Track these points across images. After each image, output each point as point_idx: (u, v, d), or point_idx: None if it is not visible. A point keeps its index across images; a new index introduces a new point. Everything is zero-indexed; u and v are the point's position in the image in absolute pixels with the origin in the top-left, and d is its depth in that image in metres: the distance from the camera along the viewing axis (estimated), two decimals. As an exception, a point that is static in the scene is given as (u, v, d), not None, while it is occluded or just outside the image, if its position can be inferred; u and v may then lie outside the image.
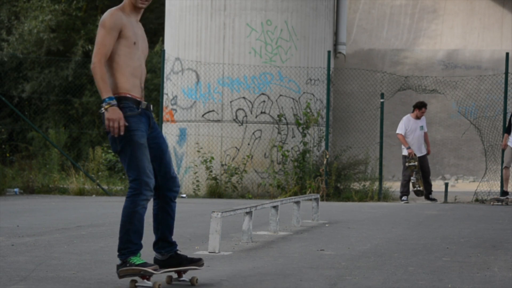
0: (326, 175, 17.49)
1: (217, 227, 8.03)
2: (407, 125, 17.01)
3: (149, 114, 6.09)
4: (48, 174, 19.17)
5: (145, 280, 5.90)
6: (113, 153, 19.41)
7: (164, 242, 6.17)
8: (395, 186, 19.66)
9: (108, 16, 5.95)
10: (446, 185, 17.74)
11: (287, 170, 17.83)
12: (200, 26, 18.59)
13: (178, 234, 9.65)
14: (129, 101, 5.96)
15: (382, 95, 18.32)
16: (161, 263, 6.13)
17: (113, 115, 5.80)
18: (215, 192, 17.95)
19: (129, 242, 5.93)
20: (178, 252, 6.21)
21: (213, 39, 18.50)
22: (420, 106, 17.10)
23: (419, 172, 16.89)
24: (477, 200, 17.33)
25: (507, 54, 18.16)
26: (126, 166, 5.92)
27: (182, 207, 14.79)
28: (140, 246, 5.97)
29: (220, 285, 6.08)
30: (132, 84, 5.99)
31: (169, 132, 18.89)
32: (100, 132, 24.77)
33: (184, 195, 18.10)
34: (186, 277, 6.23)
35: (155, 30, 28.73)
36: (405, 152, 16.97)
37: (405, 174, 16.97)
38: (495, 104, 22.83)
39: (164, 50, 19.04)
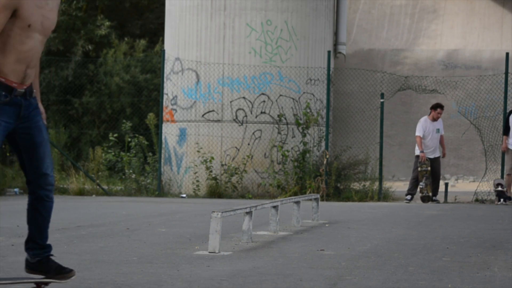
0: (326, 175, 17.49)
1: (217, 227, 8.03)
2: (424, 127, 16.98)
3: (23, 103, 5.44)
4: (48, 174, 19.14)
5: None
6: (113, 153, 19.41)
7: (34, 243, 5.60)
8: (395, 186, 19.66)
9: None
10: (446, 185, 17.75)
11: (287, 170, 17.84)
12: (200, 26, 18.60)
13: (178, 234, 9.67)
14: None
15: (382, 95, 18.32)
16: (29, 266, 5.63)
17: None
18: (215, 192, 17.96)
19: None
20: (51, 257, 5.62)
21: (213, 39, 18.51)
22: (435, 107, 17.10)
23: (430, 178, 16.82)
24: (477, 200, 17.33)
25: (507, 54, 18.16)
26: None
27: (182, 207, 14.80)
28: None
29: (220, 285, 6.09)
30: (12, 68, 5.39)
31: (169, 132, 18.90)
32: (100, 132, 24.77)
33: (184, 195, 18.11)
34: None
35: (155, 30, 28.74)
36: (418, 152, 16.92)
37: (414, 174, 16.93)
38: (495, 104, 22.83)
39: (164, 50, 19.05)
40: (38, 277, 5.58)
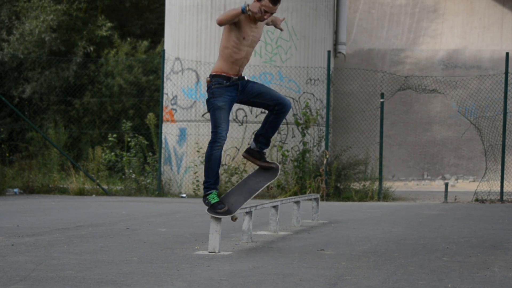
0: (326, 175, 17.49)
1: (217, 227, 8.03)
2: None
3: (239, 83, 8.25)
4: (48, 174, 19.17)
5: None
6: (113, 153, 19.41)
7: (264, 138, 8.49)
8: (395, 186, 19.66)
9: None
10: (446, 185, 17.74)
11: (287, 170, 17.84)
12: (200, 26, 18.60)
13: (178, 234, 9.67)
14: (221, 77, 8.22)
15: (382, 95, 18.32)
16: (249, 151, 8.55)
17: (255, 8, 8.03)
18: (215, 192, 17.93)
19: (207, 177, 8.07)
20: (263, 151, 8.57)
21: (213, 39, 18.51)
22: None
23: None
24: (477, 200, 17.33)
25: (507, 54, 18.16)
26: (211, 121, 8.11)
27: (182, 207, 14.79)
28: (215, 181, 8.08)
29: (220, 285, 6.09)
30: (230, 67, 8.19)
31: (169, 132, 18.90)
32: (101, 132, 24.77)
33: (184, 195, 18.11)
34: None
35: (155, 30, 28.73)
36: None
37: None
38: (495, 104, 22.83)
39: (164, 50, 19.05)
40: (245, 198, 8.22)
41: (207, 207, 8.07)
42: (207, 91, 8.25)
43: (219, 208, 7.97)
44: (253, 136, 18.26)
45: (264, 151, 8.54)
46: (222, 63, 8.15)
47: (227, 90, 8.14)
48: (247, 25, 8.10)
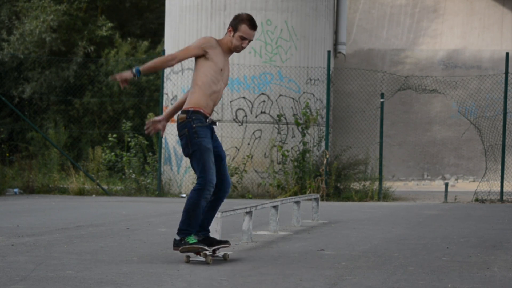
0: (326, 175, 17.49)
1: (217, 227, 8.02)
2: None
3: (213, 128, 7.37)
4: (48, 174, 19.17)
5: (198, 256, 7.22)
6: (113, 153, 19.41)
7: (201, 228, 7.31)
8: (395, 186, 19.66)
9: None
10: (446, 185, 17.74)
11: (287, 170, 17.84)
12: (200, 26, 18.60)
13: (178, 234, 9.66)
14: (201, 114, 7.28)
15: (382, 95, 18.32)
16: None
17: (121, 74, 7.12)
18: (215, 192, 17.93)
19: (189, 226, 7.12)
20: (209, 235, 7.40)
21: (213, 39, 18.49)
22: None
23: None
24: (477, 200, 17.33)
25: (507, 54, 18.16)
26: (197, 166, 7.15)
27: (182, 207, 14.78)
28: (196, 230, 7.17)
29: (220, 285, 6.09)
30: (205, 103, 7.33)
31: (169, 132, 18.90)
32: (101, 132, 24.78)
33: (184, 195, 18.11)
34: (219, 254, 7.45)
35: (155, 30, 28.73)
36: None
37: None
38: (495, 104, 22.83)
39: (164, 50, 19.05)
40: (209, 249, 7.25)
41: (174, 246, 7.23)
42: (182, 129, 7.15)
43: (202, 245, 7.17)
44: (253, 136, 18.27)
45: (209, 230, 7.44)
46: (199, 97, 7.17)
47: (207, 130, 7.22)
48: (223, 58, 7.30)
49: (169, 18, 19.38)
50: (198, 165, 7.09)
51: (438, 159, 26.26)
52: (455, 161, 26.17)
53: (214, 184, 7.08)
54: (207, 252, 7.21)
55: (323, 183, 17.27)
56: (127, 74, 7.03)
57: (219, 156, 7.29)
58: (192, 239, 7.11)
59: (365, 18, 28.68)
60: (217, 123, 7.36)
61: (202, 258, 7.22)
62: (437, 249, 8.50)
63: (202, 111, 7.15)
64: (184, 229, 7.13)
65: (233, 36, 7.29)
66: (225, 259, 7.39)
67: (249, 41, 7.32)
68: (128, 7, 28.99)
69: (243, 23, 7.26)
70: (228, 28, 7.36)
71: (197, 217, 7.12)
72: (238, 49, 7.31)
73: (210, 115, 7.23)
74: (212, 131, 7.28)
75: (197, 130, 7.11)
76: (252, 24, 7.26)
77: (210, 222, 7.43)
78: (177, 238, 7.18)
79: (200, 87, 7.16)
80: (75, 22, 26.81)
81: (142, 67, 7.12)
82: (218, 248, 7.37)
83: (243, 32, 7.24)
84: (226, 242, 7.39)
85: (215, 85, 7.19)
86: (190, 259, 7.27)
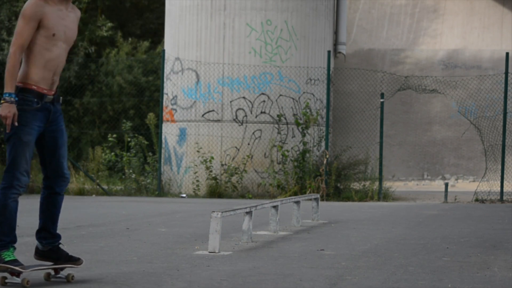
0: (326, 175, 17.49)
1: (217, 227, 8.03)
2: None
3: (51, 109, 6.00)
4: (48, 174, 19.15)
5: (14, 277, 5.85)
6: (113, 153, 19.43)
7: (46, 232, 6.25)
8: (395, 186, 19.66)
9: (29, 5, 5.88)
10: (446, 185, 17.75)
11: (287, 170, 17.84)
12: (200, 26, 18.60)
13: (178, 234, 9.67)
14: (31, 94, 5.87)
15: (382, 95, 18.33)
16: (40, 253, 6.22)
17: (5, 111, 5.74)
18: (215, 192, 17.96)
19: (1, 234, 5.88)
20: (60, 246, 6.25)
21: (213, 39, 18.51)
22: None
23: None
24: (477, 200, 17.33)
25: (507, 54, 18.16)
26: (7, 157, 5.93)
27: (182, 207, 14.79)
28: (12, 239, 5.92)
29: (220, 285, 6.09)
30: (42, 76, 5.92)
31: (169, 132, 18.90)
32: (101, 132, 24.78)
33: (184, 195, 18.11)
34: (62, 273, 6.20)
35: (155, 30, 28.74)
36: None
37: None
38: (495, 104, 22.83)
39: (164, 50, 19.05)
40: (49, 264, 6.19)
41: None
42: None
43: (16, 265, 5.83)
44: (253, 136, 18.28)
45: (60, 244, 6.28)
46: (30, 68, 5.90)
47: (36, 116, 5.91)
48: (56, 14, 5.99)
49: (169, 18, 19.38)
50: (9, 157, 5.88)
51: (438, 159, 26.26)
52: (455, 161, 26.17)
53: (23, 183, 5.92)
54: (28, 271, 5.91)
55: (323, 183, 17.27)
56: (10, 106, 5.74)
57: (55, 143, 6.07)
58: (10, 255, 5.85)
59: (365, 18, 28.68)
60: (60, 99, 6.11)
61: (18, 280, 5.82)
62: (437, 249, 8.50)
63: (34, 87, 5.87)
64: None
65: None
66: (68, 281, 6.08)
67: None
68: (128, 7, 28.99)
69: None
70: None
71: (8, 221, 5.87)
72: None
73: (52, 92, 5.99)
74: (50, 112, 5.98)
75: (20, 115, 5.80)
76: None
77: (56, 223, 6.30)
78: None
79: (30, 57, 5.91)
80: (75, 22, 26.81)
81: (9, 89, 5.79)
82: (64, 267, 6.17)
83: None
84: (77, 260, 6.20)
85: (49, 52, 5.93)
86: (6, 280, 5.88)
